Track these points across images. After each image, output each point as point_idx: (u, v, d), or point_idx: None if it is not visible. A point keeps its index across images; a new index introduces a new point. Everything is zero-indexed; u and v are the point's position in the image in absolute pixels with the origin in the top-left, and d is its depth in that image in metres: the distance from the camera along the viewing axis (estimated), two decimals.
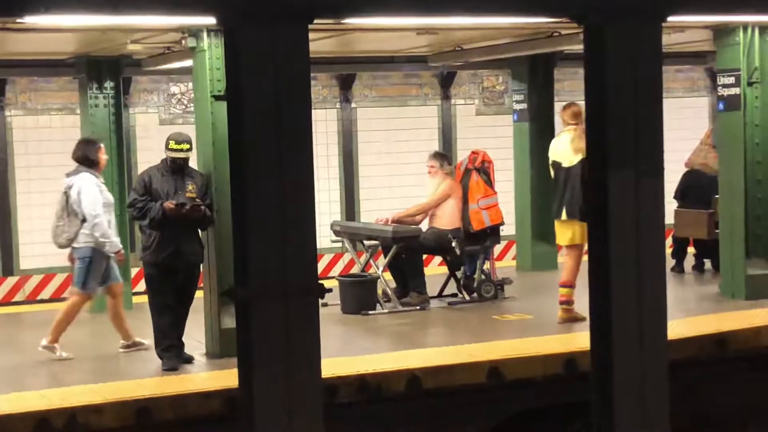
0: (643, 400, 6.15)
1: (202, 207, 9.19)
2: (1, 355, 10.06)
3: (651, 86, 6.06)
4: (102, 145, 10.08)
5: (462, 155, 14.43)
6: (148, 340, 9.73)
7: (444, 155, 12.46)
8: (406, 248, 11.48)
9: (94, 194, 9.68)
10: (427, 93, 16.99)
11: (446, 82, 16.92)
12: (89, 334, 11.06)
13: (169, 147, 9.28)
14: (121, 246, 9.91)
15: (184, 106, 15.72)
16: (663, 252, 6.32)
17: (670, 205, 12.25)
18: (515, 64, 13.95)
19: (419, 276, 11.65)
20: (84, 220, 9.68)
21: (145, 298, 9.72)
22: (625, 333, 6.10)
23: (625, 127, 5.99)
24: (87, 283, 9.81)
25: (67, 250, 9.96)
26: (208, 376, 8.97)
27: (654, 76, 6.09)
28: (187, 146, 9.31)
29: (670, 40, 11.77)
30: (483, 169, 12.01)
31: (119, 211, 11.88)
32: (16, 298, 14.93)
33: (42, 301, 14.81)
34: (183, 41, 9.65)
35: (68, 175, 9.92)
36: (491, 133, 16.50)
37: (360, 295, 11.34)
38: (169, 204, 9.06)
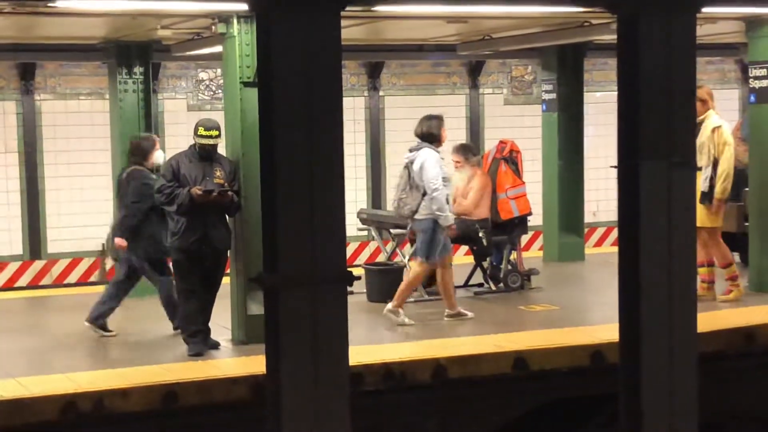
0: (672, 393, 6.12)
1: (230, 193, 9.19)
2: (29, 338, 10.11)
3: (684, 77, 6.02)
4: (443, 120, 10.35)
5: (490, 144, 14.41)
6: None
7: (468, 146, 12.21)
8: None
9: (435, 168, 10.02)
10: (456, 82, 16.95)
11: (475, 71, 16.88)
12: (116, 318, 11.12)
13: (198, 133, 9.28)
14: (453, 221, 10.25)
15: (212, 93, 15.74)
16: (694, 243, 6.28)
17: None
18: (545, 53, 13.89)
19: None
20: (425, 194, 10.02)
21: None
22: (654, 325, 6.07)
23: (657, 118, 5.95)
24: (431, 255, 10.14)
25: None
26: (234, 362, 8.98)
27: (688, 67, 6.05)
28: (216, 133, 9.31)
29: (701, 31, 11.56)
30: (511, 158, 11.96)
31: None
32: (44, 282, 15.02)
33: (69, 285, 14.90)
34: (213, 27, 9.64)
35: (411, 150, 10.30)
36: (519, 123, 16.46)
37: (386, 284, 11.32)
38: (197, 190, 9.06)
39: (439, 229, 10.07)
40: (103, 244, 14.95)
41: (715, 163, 10.44)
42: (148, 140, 10.31)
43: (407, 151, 10.35)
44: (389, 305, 10.27)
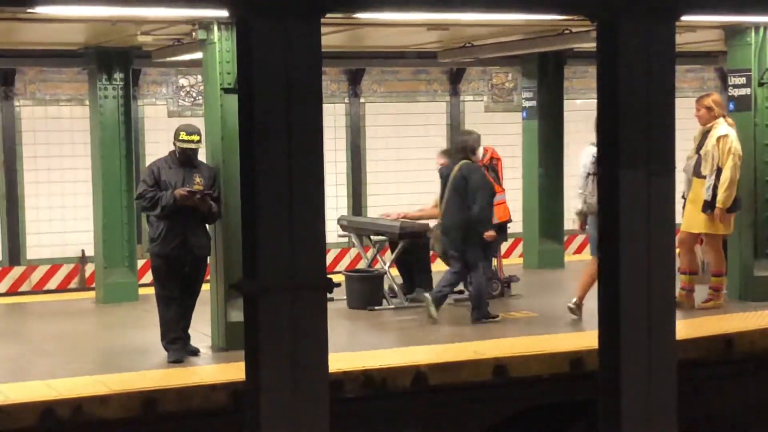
0: (651, 399, 6.13)
1: (211, 198, 9.17)
2: (8, 344, 10.07)
3: (663, 85, 6.03)
4: None
5: None
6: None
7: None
8: (414, 244, 11.46)
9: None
10: (436, 89, 16.98)
11: (455, 78, 16.91)
12: (95, 325, 11.09)
13: (180, 138, 9.26)
14: None
15: (192, 99, 15.72)
16: (673, 251, 6.31)
17: (679, 205, 12.22)
18: (525, 61, 13.93)
19: (426, 272, 11.64)
20: None
21: (151, 290, 9.72)
22: (633, 332, 6.08)
23: (637, 126, 5.97)
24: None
25: None
26: (213, 368, 8.97)
27: (666, 75, 6.06)
28: (197, 138, 9.30)
29: (680, 40, 11.72)
30: (491, 166, 11.95)
31: (127, 203, 11.92)
32: (23, 288, 14.95)
33: (48, 291, 14.83)
34: (193, 33, 9.64)
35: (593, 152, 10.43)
36: (500, 130, 16.48)
37: (366, 291, 11.33)
38: (181, 191, 9.04)
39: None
40: (83, 250, 14.92)
41: (719, 172, 10.46)
42: (472, 135, 10.90)
43: (591, 155, 10.47)
44: (574, 300, 10.44)
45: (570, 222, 16.26)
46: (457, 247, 10.57)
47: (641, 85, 5.98)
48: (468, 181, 10.52)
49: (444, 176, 10.79)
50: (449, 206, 10.59)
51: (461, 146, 10.79)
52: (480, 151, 10.86)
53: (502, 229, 11.97)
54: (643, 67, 5.98)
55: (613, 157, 6.04)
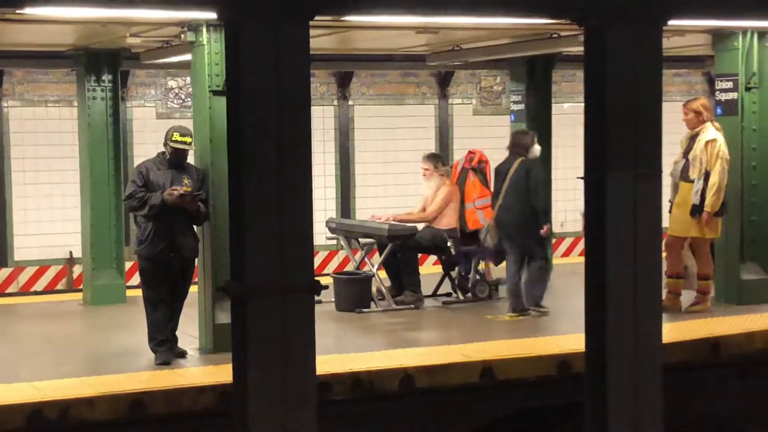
0: (637, 403, 6.16)
1: (200, 200, 9.16)
2: None
3: (650, 89, 6.07)
4: None
5: (458, 154, 14.44)
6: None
7: (438, 156, 12.43)
8: (402, 246, 11.48)
9: None
10: (425, 92, 17.00)
11: (444, 81, 16.93)
12: (83, 326, 11.08)
13: (173, 139, 9.23)
14: None
15: (181, 101, 15.71)
16: (659, 255, 6.33)
17: (665, 209, 12.26)
18: (514, 64, 13.94)
19: (414, 275, 11.65)
20: None
21: (139, 292, 9.71)
22: (620, 335, 6.11)
23: (624, 130, 6.00)
24: None
25: None
26: (201, 370, 8.95)
27: (653, 79, 6.10)
28: (190, 140, 9.28)
29: (668, 44, 11.78)
30: (479, 168, 12.01)
31: (116, 204, 11.91)
32: (10, 290, 14.92)
33: (36, 292, 14.81)
34: (182, 35, 9.63)
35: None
36: (488, 133, 16.51)
37: (354, 293, 11.33)
38: (171, 191, 9.02)
39: None
40: (71, 251, 14.90)
41: (707, 176, 10.50)
42: (528, 135, 11.10)
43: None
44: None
45: (558, 225, 16.37)
46: (516, 240, 10.81)
47: (628, 89, 6.01)
48: (530, 175, 10.76)
49: (502, 173, 10.97)
50: (508, 201, 10.84)
51: (517, 144, 11.03)
52: (536, 149, 11.06)
53: None
54: (630, 70, 6.01)
55: (600, 160, 6.07)
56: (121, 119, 12.38)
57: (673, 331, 9.84)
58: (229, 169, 5.77)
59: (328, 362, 8.57)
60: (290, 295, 5.60)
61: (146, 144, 14.42)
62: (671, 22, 6.41)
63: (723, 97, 11.33)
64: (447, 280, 12.01)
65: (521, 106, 13.87)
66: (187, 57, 9.92)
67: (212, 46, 9.38)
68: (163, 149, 9.33)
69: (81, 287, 12.49)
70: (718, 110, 11.36)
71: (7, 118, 14.98)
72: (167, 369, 8.93)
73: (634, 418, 6.17)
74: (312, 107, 5.67)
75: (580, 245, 17.17)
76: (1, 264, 15.05)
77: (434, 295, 11.94)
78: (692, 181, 10.56)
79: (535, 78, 13.78)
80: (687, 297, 10.91)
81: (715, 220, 10.62)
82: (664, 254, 10.40)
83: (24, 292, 14.87)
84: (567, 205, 16.94)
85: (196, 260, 9.50)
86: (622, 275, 6.05)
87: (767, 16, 8.15)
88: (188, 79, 14.61)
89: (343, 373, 8.61)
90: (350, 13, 7.74)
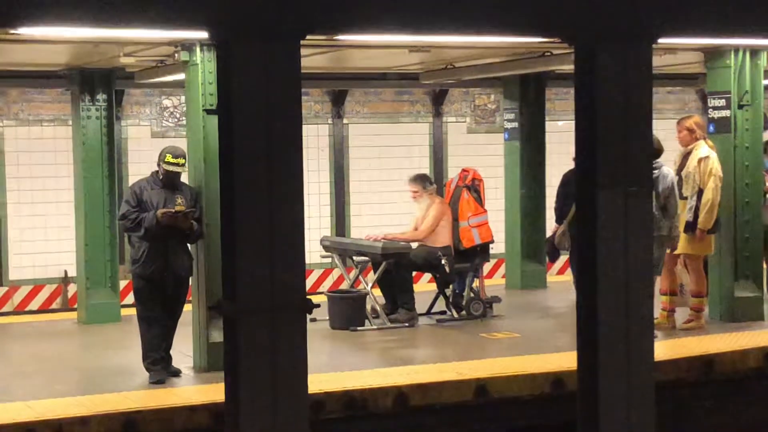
0: (629, 421, 6.16)
1: (192, 221, 9.17)
2: None
3: (640, 107, 6.09)
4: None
5: (453, 173, 14.47)
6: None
7: (424, 176, 12.28)
8: (396, 265, 11.49)
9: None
10: (419, 110, 17.03)
11: (438, 99, 16.97)
12: (77, 346, 11.07)
13: (166, 160, 9.26)
14: None
15: (176, 120, 15.73)
16: (651, 272, 6.35)
17: None
18: (507, 82, 13.99)
19: (408, 293, 11.65)
20: None
21: (133, 311, 9.70)
22: (611, 352, 6.11)
23: (614, 148, 6.02)
24: None
25: None
26: (195, 389, 8.95)
27: (643, 98, 6.12)
28: (183, 161, 9.31)
29: (661, 62, 11.83)
30: (473, 186, 12.03)
31: (110, 223, 11.92)
32: (5, 309, 14.90)
33: (30, 312, 14.79)
34: (176, 55, 9.66)
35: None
36: (482, 151, 16.54)
37: (349, 311, 11.33)
38: (163, 211, 9.03)
39: None
40: (66, 271, 14.89)
41: (700, 193, 10.53)
42: None
43: None
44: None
45: None
46: None
47: (618, 107, 6.04)
48: None
49: (569, 182, 10.96)
50: None
51: None
52: None
53: (484, 249, 12.03)
54: (620, 89, 6.03)
55: (591, 177, 6.09)
56: (116, 138, 12.40)
57: (666, 348, 9.85)
58: (221, 187, 5.79)
59: (321, 380, 8.57)
60: (281, 313, 5.61)
61: (141, 163, 14.42)
62: (661, 41, 6.43)
63: (715, 114, 11.36)
64: (441, 298, 12.02)
65: (515, 124, 13.92)
66: (182, 76, 9.95)
67: (206, 66, 9.41)
68: (156, 169, 9.36)
69: (76, 306, 12.48)
70: (711, 128, 11.39)
71: (2, 137, 14.98)
72: (161, 388, 8.93)
73: None
74: (307, 125, 5.70)
75: None
76: None
77: (428, 313, 11.94)
78: (685, 199, 10.59)
79: (528, 96, 13.84)
80: (681, 314, 10.92)
81: (708, 237, 10.65)
82: None
83: (19, 311, 14.84)
84: None
85: (191, 279, 9.51)
86: (613, 293, 6.06)
87: (757, 34, 8.17)
88: (183, 98, 14.63)
89: (336, 391, 8.61)
90: (342, 32, 7.75)
